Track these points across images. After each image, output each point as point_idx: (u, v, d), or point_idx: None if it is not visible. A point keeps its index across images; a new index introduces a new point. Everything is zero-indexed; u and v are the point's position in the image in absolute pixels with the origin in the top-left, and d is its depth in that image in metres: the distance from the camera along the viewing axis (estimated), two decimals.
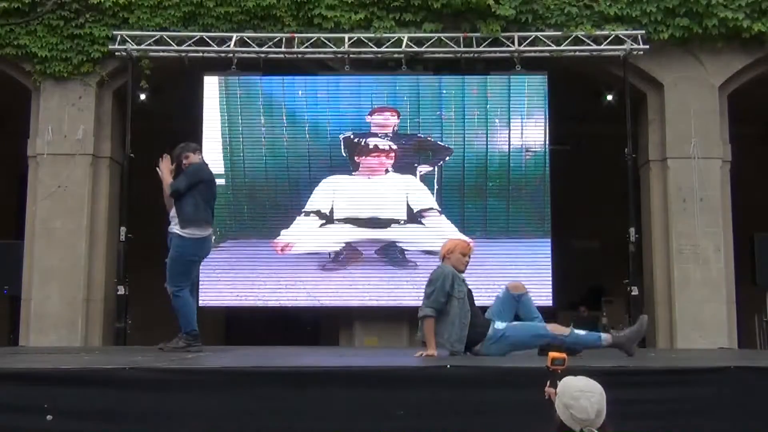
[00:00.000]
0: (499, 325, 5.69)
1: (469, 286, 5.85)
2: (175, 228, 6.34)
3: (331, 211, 9.50)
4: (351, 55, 9.45)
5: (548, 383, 3.28)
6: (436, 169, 9.56)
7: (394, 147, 9.62)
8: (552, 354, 3.42)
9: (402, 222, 9.48)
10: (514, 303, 5.90)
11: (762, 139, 11.98)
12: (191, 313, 6.43)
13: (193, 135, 9.51)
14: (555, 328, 5.64)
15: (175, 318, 6.52)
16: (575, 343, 5.53)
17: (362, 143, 9.62)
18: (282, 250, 9.48)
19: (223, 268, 9.26)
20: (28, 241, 9.60)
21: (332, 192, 9.55)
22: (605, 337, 5.75)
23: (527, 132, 9.56)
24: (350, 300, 9.43)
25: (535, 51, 9.45)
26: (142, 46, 9.40)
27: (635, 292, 9.14)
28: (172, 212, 6.38)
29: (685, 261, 9.38)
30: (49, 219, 9.50)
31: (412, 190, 9.55)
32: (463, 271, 5.85)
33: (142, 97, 9.91)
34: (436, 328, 5.64)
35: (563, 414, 3.04)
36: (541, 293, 9.24)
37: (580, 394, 3.04)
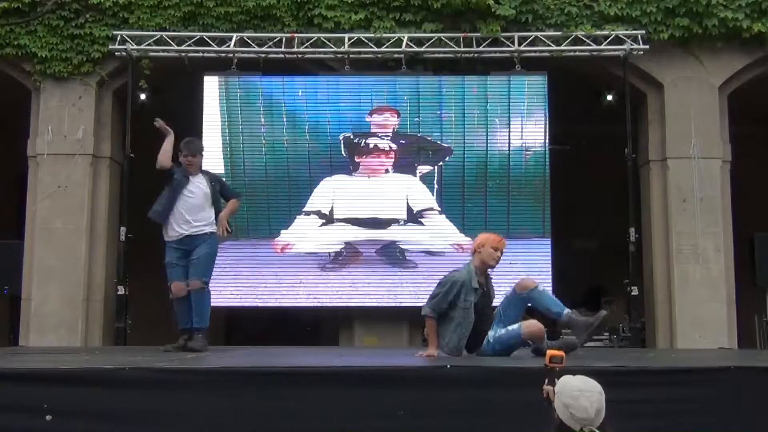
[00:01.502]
0: (490, 333, 5.71)
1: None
2: (207, 228, 6.67)
3: (331, 211, 9.49)
4: (351, 55, 9.45)
5: (546, 381, 3.28)
6: (436, 169, 9.56)
7: (394, 147, 9.61)
8: (550, 352, 3.42)
9: (402, 222, 9.48)
10: (522, 302, 5.87)
11: (762, 139, 11.98)
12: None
13: (193, 135, 9.51)
14: (529, 328, 5.64)
15: (175, 318, 6.57)
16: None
17: (362, 143, 9.62)
18: (282, 250, 9.48)
19: (223, 268, 9.21)
20: (28, 241, 9.60)
21: (332, 192, 9.55)
22: (567, 312, 5.75)
23: (527, 132, 9.56)
24: (350, 300, 9.43)
25: (535, 51, 9.45)
26: (142, 46, 9.40)
27: (635, 292, 9.14)
28: (199, 216, 6.64)
29: (685, 261, 9.38)
30: (49, 219, 9.50)
31: (412, 190, 9.55)
32: (493, 267, 5.81)
33: (142, 97, 9.89)
34: (439, 329, 5.65)
35: (563, 413, 3.04)
36: None
37: (579, 394, 3.03)
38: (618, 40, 9.35)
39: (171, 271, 6.72)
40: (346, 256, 9.46)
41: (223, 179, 7.40)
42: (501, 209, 9.46)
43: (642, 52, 9.35)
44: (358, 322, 9.56)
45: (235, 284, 9.43)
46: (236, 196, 7.14)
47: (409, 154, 9.62)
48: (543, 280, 9.22)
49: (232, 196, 7.04)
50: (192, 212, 6.65)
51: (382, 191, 9.54)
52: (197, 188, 6.72)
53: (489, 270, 5.85)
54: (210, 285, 6.83)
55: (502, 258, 5.82)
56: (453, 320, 5.62)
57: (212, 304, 9.32)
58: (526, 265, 9.16)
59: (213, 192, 6.79)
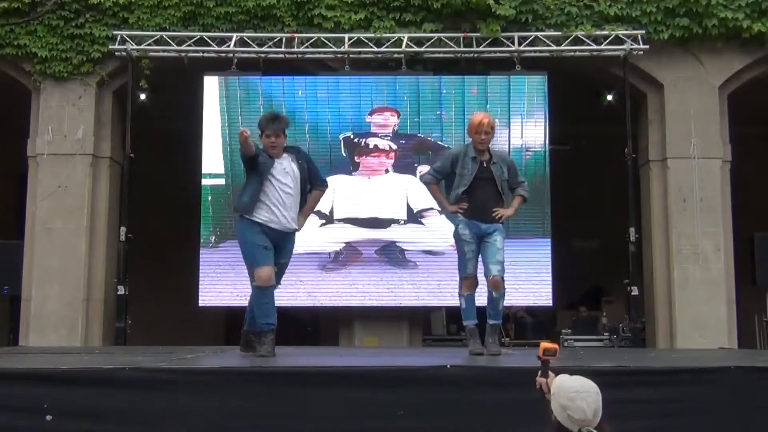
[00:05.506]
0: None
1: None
2: (295, 224, 5.92)
3: (331, 211, 9.49)
4: (351, 55, 9.45)
5: (539, 373, 3.28)
6: None
7: (394, 147, 9.61)
8: (544, 344, 3.41)
9: (402, 222, 9.48)
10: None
11: (762, 139, 11.98)
12: None
13: (193, 135, 9.54)
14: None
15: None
16: None
17: (362, 143, 9.62)
18: None
19: (223, 268, 9.24)
20: (28, 241, 9.60)
21: (332, 192, 9.52)
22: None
23: (527, 132, 9.55)
24: (350, 300, 9.43)
25: (535, 51, 9.45)
26: (142, 46, 9.40)
27: (635, 292, 9.15)
28: (291, 211, 5.83)
29: (685, 261, 9.38)
30: (49, 219, 9.51)
31: (412, 190, 9.54)
32: (481, 148, 5.98)
33: (142, 97, 9.91)
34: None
35: (560, 415, 3.04)
36: (541, 293, 9.29)
37: (576, 395, 3.03)
38: (618, 40, 9.35)
39: (260, 254, 5.70)
40: (346, 256, 9.46)
41: (311, 157, 6.30)
42: None
43: (642, 52, 9.35)
44: (358, 322, 9.56)
45: (235, 284, 9.38)
46: (323, 183, 6.19)
47: (409, 154, 9.62)
48: (543, 280, 9.29)
49: (319, 183, 6.13)
50: (284, 204, 5.77)
51: (382, 191, 9.54)
52: (287, 172, 5.83)
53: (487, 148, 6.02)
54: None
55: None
56: (452, 183, 6.01)
57: (212, 304, 9.42)
58: (527, 265, 9.17)
59: (302, 174, 5.89)
